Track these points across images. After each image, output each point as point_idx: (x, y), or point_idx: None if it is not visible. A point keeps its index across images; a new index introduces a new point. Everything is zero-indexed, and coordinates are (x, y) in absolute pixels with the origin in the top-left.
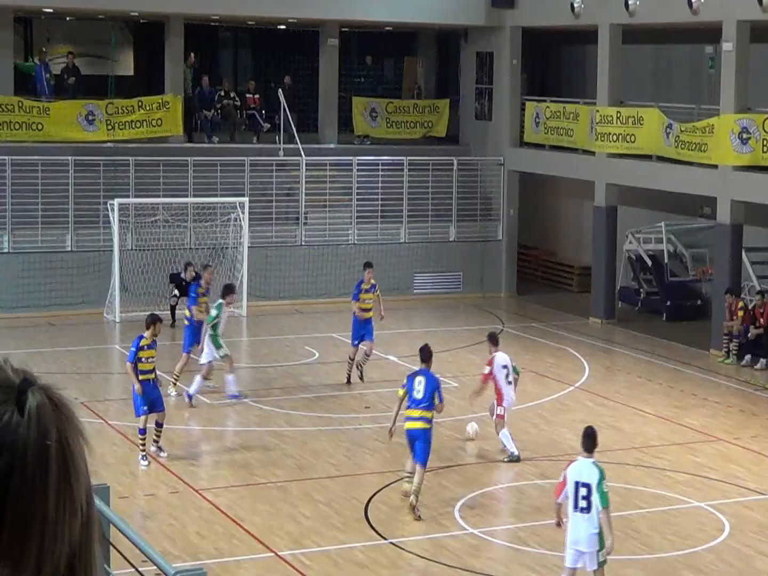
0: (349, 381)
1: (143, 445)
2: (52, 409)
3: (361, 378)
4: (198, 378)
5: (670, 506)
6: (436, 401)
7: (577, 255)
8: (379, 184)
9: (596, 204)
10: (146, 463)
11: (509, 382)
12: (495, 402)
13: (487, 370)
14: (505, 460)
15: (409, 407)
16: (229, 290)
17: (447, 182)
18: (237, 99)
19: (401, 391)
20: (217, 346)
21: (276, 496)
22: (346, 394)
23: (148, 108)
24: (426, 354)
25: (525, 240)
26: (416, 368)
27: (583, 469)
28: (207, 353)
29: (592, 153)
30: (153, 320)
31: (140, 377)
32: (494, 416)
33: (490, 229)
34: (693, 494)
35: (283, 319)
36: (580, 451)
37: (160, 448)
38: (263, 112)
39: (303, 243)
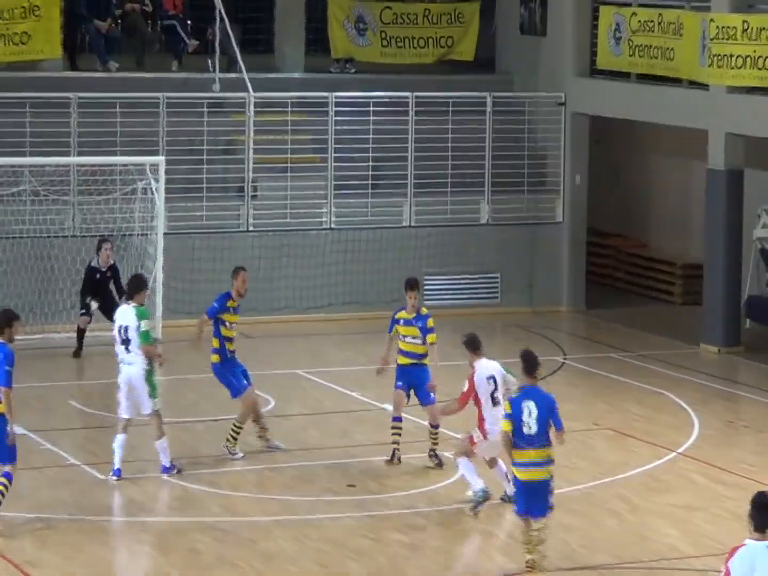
0: (392, 458)
1: None
2: None
3: (436, 462)
4: (162, 443)
5: None
6: (554, 429)
7: (680, 246)
8: (370, 135)
9: (711, 166)
10: None
11: (496, 401)
12: (476, 430)
13: (466, 386)
14: (472, 498)
15: (518, 447)
16: (138, 285)
17: (477, 132)
18: (146, 2)
19: (506, 424)
20: (155, 394)
21: None
22: (318, 464)
23: (7, 17)
24: (531, 364)
25: (599, 223)
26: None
27: (757, 558)
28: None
29: (705, 86)
30: (8, 319)
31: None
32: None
33: (545, 205)
34: None
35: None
36: (687, 552)
37: None
38: (188, 22)
39: (250, 227)
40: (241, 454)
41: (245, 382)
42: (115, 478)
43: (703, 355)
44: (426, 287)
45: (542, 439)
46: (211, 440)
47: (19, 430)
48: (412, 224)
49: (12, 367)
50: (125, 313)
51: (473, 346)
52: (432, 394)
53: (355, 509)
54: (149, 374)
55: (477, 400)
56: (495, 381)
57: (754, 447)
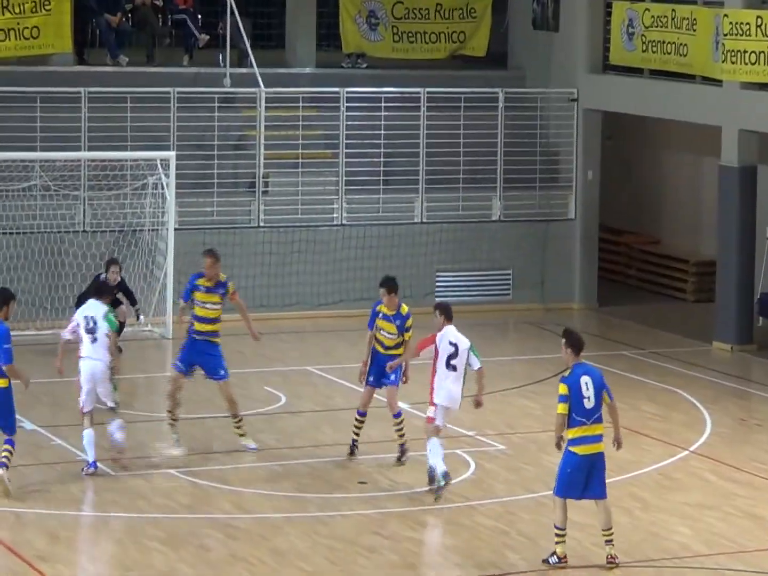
0: (352, 451)
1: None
2: None
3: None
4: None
5: None
6: (607, 400)
7: (693, 243)
8: (382, 131)
9: (724, 163)
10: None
11: (452, 368)
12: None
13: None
14: (434, 486)
15: (576, 424)
16: (103, 291)
17: (489, 128)
18: None
19: (562, 407)
20: (116, 387)
21: None
22: (329, 461)
23: (17, 11)
24: (577, 342)
25: (611, 220)
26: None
27: None
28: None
29: (719, 82)
30: (5, 298)
31: None
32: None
33: (557, 202)
34: None
35: (231, 343)
36: (699, 551)
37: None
38: (199, 16)
39: (261, 223)
40: (177, 445)
41: (180, 364)
42: (91, 470)
43: (715, 352)
44: (437, 284)
45: (599, 413)
46: (222, 436)
47: (29, 425)
48: (424, 220)
49: (9, 344)
50: (95, 306)
51: (447, 313)
52: (393, 376)
53: (366, 506)
54: (112, 370)
55: (435, 358)
56: (456, 348)
57: (767, 445)
